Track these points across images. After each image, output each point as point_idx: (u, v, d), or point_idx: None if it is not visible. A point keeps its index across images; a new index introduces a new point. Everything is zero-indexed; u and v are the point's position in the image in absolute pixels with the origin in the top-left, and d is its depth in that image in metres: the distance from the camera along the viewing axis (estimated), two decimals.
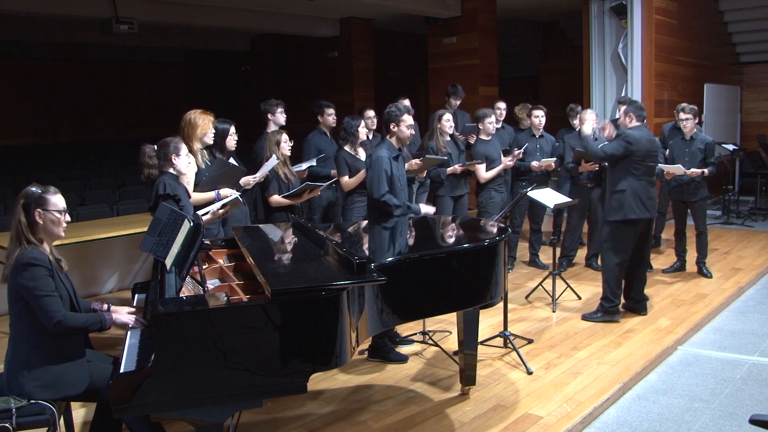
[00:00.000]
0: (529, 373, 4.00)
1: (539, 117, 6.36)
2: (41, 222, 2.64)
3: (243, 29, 11.51)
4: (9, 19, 9.18)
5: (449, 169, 5.88)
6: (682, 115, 5.98)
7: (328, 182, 5.20)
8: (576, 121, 6.34)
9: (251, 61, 13.77)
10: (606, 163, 5.23)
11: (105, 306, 2.96)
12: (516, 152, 6.10)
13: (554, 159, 6.26)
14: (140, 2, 8.41)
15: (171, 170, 3.73)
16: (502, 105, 6.87)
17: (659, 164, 5.98)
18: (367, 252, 3.43)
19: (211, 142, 4.34)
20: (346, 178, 5.20)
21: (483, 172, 5.98)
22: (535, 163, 6.23)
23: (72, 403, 2.98)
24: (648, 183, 4.82)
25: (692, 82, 9.57)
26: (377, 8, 9.96)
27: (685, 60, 9.35)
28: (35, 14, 8.43)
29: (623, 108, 4.94)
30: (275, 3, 9.60)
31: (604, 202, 5.11)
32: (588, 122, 5.26)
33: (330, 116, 6.02)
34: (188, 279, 2.91)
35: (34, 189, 2.67)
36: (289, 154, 4.87)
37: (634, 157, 4.72)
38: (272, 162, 4.65)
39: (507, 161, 6.04)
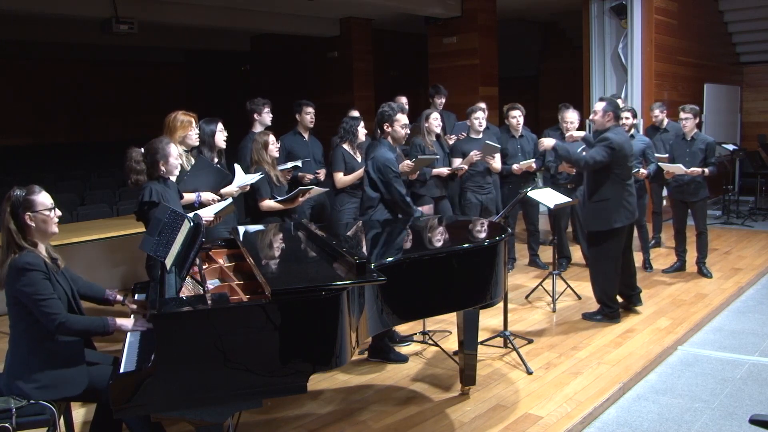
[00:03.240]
0: (529, 373, 4.00)
1: (516, 117, 6.27)
2: (33, 224, 2.62)
3: (243, 29, 11.49)
4: (9, 19, 9.17)
5: (435, 171, 5.78)
6: (682, 115, 5.97)
7: (325, 189, 5.15)
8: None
9: (251, 61, 13.75)
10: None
11: (118, 297, 3.00)
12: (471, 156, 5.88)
13: (534, 160, 6.18)
14: (140, 2, 8.41)
15: (160, 175, 3.56)
16: (482, 105, 6.71)
17: (659, 163, 5.99)
18: (376, 251, 3.42)
19: (196, 144, 4.21)
20: (340, 175, 5.15)
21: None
22: (515, 166, 6.15)
23: (72, 403, 2.97)
24: (629, 186, 4.73)
25: (692, 82, 9.57)
26: (377, 8, 9.95)
27: (685, 60, 9.35)
28: (35, 14, 8.43)
29: (602, 105, 4.70)
30: (275, 3, 9.59)
31: (583, 209, 4.92)
32: (568, 125, 5.17)
33: (308, 115, 5.83)
34: (188, 279, 2.91)
35: (17, 193, 2.62)
36: (277, 155, 4.75)
37: (617, 162, 4.60)
38: (255, 177, 4.45)
39: (459, 164, 5.89)
